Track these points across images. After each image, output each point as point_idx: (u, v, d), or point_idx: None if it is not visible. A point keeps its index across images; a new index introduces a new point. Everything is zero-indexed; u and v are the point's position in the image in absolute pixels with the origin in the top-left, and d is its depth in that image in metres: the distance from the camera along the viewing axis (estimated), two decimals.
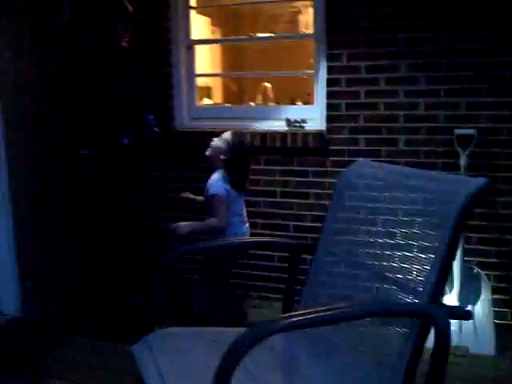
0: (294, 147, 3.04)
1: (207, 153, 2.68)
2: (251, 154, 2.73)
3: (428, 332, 1.32)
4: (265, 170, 3.14)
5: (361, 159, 1.88)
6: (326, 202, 3.05)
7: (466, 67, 2.74)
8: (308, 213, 3.12)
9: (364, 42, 2.86)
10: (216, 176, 2.62)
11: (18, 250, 3.01)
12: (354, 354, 1.57)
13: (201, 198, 2.76)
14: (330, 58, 2.94)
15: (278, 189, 3.15)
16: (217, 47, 5.46)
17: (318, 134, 3.00)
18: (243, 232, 2.68)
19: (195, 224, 2.61)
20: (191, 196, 2.87)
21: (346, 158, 2.98)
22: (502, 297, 2.81)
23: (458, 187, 1.40)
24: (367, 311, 1.30)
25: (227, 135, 2.66)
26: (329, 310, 1.24)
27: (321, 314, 1.23)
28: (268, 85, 4.02)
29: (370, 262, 1.63)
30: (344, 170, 1.87)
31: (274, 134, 3.07)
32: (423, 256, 1.42)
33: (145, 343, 1.56)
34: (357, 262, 1.68)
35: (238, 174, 2.61)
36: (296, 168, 3.10)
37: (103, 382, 2.37)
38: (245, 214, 2.72)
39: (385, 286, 1.55)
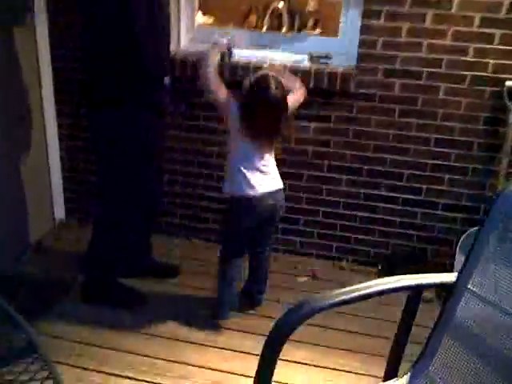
0: (316, 87, 2.62)
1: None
2: (269, 104, 2.13)
3: None
4: None
5: None
6: (347, 152, 2.73)
7: None
8: (326, 162, 2.79)
9: None
10: None
11: None
12: None
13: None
14: None
15: (294, 135, 2.77)
16: None
17: (345, 74, 2.60)
18: (240, 188, 2.21)
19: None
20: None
21: (377, 104, 2.62)
22: None
23: None
24: None
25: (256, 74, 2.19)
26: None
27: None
28: (280, 5, 3.49)
29: None
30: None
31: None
32: None
33: None
34: None
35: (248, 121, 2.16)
36: (317, 112, 2.72)
37: None
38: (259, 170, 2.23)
39: None
